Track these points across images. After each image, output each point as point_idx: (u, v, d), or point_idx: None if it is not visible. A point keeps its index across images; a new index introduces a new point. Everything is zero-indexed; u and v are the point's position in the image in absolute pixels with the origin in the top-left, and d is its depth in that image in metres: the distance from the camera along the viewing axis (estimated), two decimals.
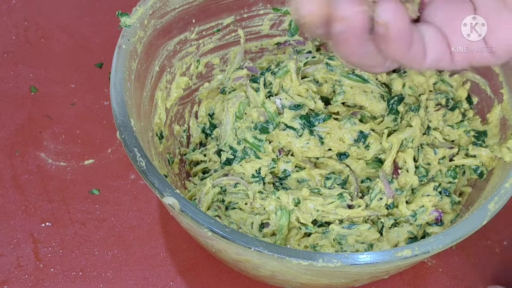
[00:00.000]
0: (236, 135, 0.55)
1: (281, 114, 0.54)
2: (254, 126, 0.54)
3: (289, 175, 0.55)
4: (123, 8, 0.50)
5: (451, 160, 0.56)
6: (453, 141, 0.57)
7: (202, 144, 0.62)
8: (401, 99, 0.56)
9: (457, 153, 0.56)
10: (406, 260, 0.41)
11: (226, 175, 0.55)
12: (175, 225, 0.61)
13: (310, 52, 0.62)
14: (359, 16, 0.32)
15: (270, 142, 0.55)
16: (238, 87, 0.58)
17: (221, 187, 0.54)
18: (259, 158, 0.54)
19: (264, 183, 0.54)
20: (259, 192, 0.54)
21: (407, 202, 0.53)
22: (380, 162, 0.54)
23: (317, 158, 0.55)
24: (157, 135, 0.55)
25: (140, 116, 0.49)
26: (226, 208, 0.55)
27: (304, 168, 0.55)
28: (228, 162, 0.56)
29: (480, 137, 0.56)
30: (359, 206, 0.52)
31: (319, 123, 0.54)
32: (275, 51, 0.65)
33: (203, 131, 0.61)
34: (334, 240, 0.51)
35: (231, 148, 0.56)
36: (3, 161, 0.64)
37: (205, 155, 0.59)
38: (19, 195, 0.62)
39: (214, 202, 0.54)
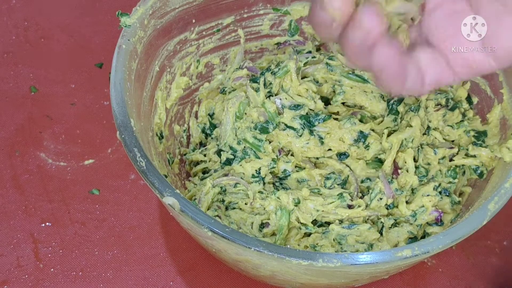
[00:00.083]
0: (236, 135, 0.55)
1: (281, 114, 0.54)
2: (254, 126, 0.54)
3: (289, 175, 0.55)
4: (123, 8, 0.50)
5: (451, 160, 0.56)
6: (453, 141, 0.57)
7: (202, 144, 0.62)
8: (401, 99, 0.56)
9: (457, 153, 0.56)
10: (406, 260, 0.41)
11: (226, 175, 0.55)
12: (175, 225, 0.61)
13: (310, 52, 0.62)
14: (376, 31, 0.33)
15: (270, 142, 0.55)
16: (238, 87, 0.58)
17: (221, 187, 0.54)
18: (259, 158, 0.54)
19: (264, 183, 0.55)
20: (259, 192, 0.54)
21: (407, 202, 0.53)
22: (380, 162, 0.54)
23: (317, 158, 0.55)
24: (157, 135, 0.55)
25: (140, 116, 0.49)
26: (226, 208, 0.55)
27: (304, 168, 0.55)
28: (228, 162, 0.56)
29: (480, 137, 0.56)
30: (359, 206, 0.52)
31: (319, 123, 0.54)
32: (275, 51, 0.65)
33: (203, 131, 0.61)
34: (334, 240, 0.51)
35: (231, 148, 0.56)
36: (3, 161, 0.64)
37: (205, 155, 0.59)
38: (19, 195, 0.62)
39: (214, 202, 0.54)
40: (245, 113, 0.55)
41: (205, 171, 0.59)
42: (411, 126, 0.54)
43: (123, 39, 0.48)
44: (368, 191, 0.53)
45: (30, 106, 0.69)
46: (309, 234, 0.52)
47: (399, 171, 0.53)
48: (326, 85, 0.58)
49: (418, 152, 0.54)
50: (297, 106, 0.54)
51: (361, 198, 0.53)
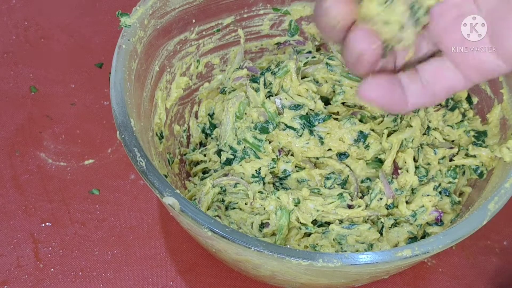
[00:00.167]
0: (236, 135, 0.55)
1: (281, 114, 0.54)
2: (254, 126, 0.54)
3: (289, 175, 0.55)
4: (123, 8, 0.50)
5: (451, 160, 0.56)
6: (453, 141, 0.57)
7: (202, 144, 0.62)
8: None
9: (457, 153, 0.56)
10: (406, 260, 0.41)
11: (226, 175, 0.55)
12: (175, 225, 0.61)
13: (310, 52, 0.62)
14: (369, 53, 0.35)
15: (270, 142, 0.55)
16: (238, 87, 0.58)
17: (221, 187, 0.54)
18: (259, 158, 0.54)
19: (264, 183, 0.54)
20: (259, 192, 0.54)
21: (407, 202, 0.53)
22: (380, 162, 0.54)
23: (317, 158, 0.55)
24: (157, 135, 0.55)
25: (140, 116, 0.49)
26: (226, 208, 0.55)
27: (304, 168, 0.55)
28: (228, 162, 0.56)
29: (480, 137, 0.56)
30: (359, 206, 0.52)
31: (319, 123, 0.54)
32: (275, 51, 0.65)
33: (203, 131, 0.61)
34: (334, 240, 0.51)
35: (231, 148, 0.56)
36: (3, 161, 0.64)
37: (205, 155, 0.59)
38: (19, 195, 0.62)
39: (214, 202, 0.54)
40: (245, 113, 0.55)
41: (205, 171, 0.59)
42: (411, 126, 0.54)
43: (123, 39, 0.48)
44: (368, 191, 0.53)
45: (30, 106, 0.69)
46: (309, 234, 0.52)
47: (399, 171, 0.53)
48: (326, 85, 0.58)
49: (418, 152, 0.54)
50: (297, 106, 0.54)
51: (361, 198, 0.53)
